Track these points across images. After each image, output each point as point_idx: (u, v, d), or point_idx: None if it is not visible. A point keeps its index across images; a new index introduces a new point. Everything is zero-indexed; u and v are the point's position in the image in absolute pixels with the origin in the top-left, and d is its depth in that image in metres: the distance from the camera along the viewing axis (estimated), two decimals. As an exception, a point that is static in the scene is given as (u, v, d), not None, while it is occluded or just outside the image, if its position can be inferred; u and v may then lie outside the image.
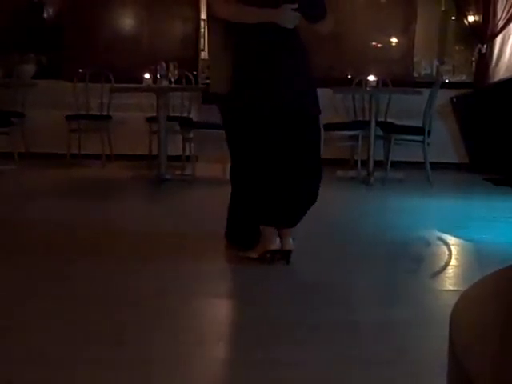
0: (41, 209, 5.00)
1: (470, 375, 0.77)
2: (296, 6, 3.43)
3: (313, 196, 3.65)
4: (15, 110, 6.84)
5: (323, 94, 6.36)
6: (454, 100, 6.93)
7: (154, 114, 6.36)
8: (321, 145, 3.75)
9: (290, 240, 3.59)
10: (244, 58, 3.55)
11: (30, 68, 7.46)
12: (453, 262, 3.83)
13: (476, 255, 4.01)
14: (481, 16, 6.91)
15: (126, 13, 7.92)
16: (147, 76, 6.24)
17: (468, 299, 1.03)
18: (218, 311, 3.05)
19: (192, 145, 6.35)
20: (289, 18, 3.45)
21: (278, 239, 3.56)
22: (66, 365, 2.38)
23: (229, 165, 3.73)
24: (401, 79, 7.23)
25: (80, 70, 7.02)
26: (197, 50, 7.54)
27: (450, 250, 4.03)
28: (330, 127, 6.27)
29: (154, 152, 6.51)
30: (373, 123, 6.18)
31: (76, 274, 3.42)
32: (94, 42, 7.66)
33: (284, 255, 3.57)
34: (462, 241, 4.27)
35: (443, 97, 6.67)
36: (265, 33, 3.47)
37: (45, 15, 7.48)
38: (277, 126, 3.47)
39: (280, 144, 3.50)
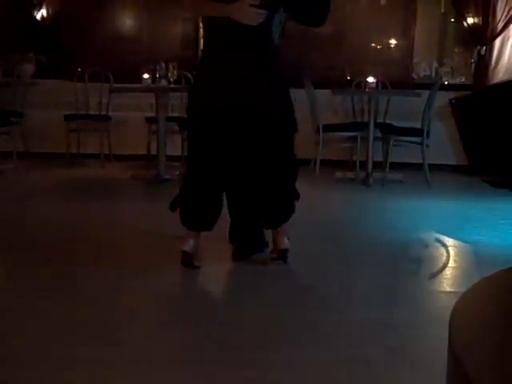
0: (40, 208, 5.00)
1: (470, 376, 0.78)
2: (257, 2, 3.25)
3: (285, 193, 3.57)
4: (14, 109, 6.83)
5: (322, 95, 6.45)
6: (453, 102, 6.94)
7: (154, 114, 6.36)
8: (286, 146, 3.58)
9: (285, 239, 3.55)
10: (204, 57, 3.48)
11: (29, 67, 7.45)
12: (451, 263, 3.83)
13: (474, 257, 4.02)
14: (480, 18, 6.92)
15: (126, 13, 7.93)
16: (146, 76, 6.24)
17: (467, 300, 1.04)
18: (214, 312, 3.05)
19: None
20: (246, 14, 3.25)
21: (192, 242, 3.48)
22: (63, 364, 2.39)
23: None
24: (400, 81, 7.24)
25: (79, 70, 7.02)
26: (196, 50, 7.54)
27: (448, 252, 4.04)
28: (329, 128, 6.29)
29: (153, 152, 6.52)
30: (372, 125, 6.19)
31: (75, 274, 3.42)
32: (93, 42, 7.66)
33: (280, 255, 3.56)
34: (460, 242, 4.28)
35: (442, 98, 6.68)
36: (227, 31, 3.32)
37: (44, 15, 7.46)
38: (229, 127, 3.37)
39: (233, 146, 3.41)
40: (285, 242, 3.55)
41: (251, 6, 3.25)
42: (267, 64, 3.39)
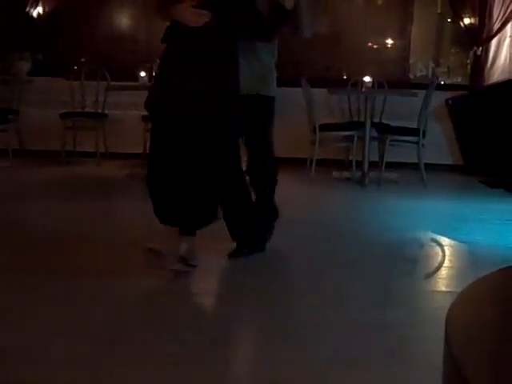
0: (34, 206, 4.99)
1: (467, 375, 0.78)
2: (194, 2, 3.24)
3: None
4: (10, 107, 6.82)
5: (319, 94, 6.44)
6: (450, 102, 6.95)
7: (150, 113, 6.35)
8: (227, 157, 3.51)
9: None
10: (163, 59, 3.41)
11: (25, 65, 7.44)
12: (446, 263, 3.84)
13: (470, 257, 4.02)
14: (477, 19, 6.93)
15: (123, 11, 7.92)
16: (143, 74, 6.23)
17: (464, 300, 1.04)
18: (211, 310, 3.04)
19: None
20: (188, 15, 3.22)
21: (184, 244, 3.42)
22: (62, 363, 2.38)
23: None
24: (396, 80, 7.24)
25: (76, 68, 7.01)
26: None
27: (443, 252, 4.04)
28: (325, 128, 6.28)
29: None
30: (368, 124, 6.19)
31: (71, 272, 3.42)
32: (90, 40, 7.64)
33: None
34: (455, 242, 4.28)
35: (438, 99, 6.69)
36: (185, 33, 3.27)
37: (40, 12, 7.44)
38: (172, 130, 3.31)
39: (175, 151, 3.34)
40: None
41: (192, 6, 3.23)
42: (217, 69, 3.31)
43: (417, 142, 6.15)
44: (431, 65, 7.77)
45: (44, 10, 7.45)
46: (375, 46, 7.94)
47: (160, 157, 3.38)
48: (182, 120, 3.28)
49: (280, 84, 6.68)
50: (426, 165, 6.19)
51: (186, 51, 3.28)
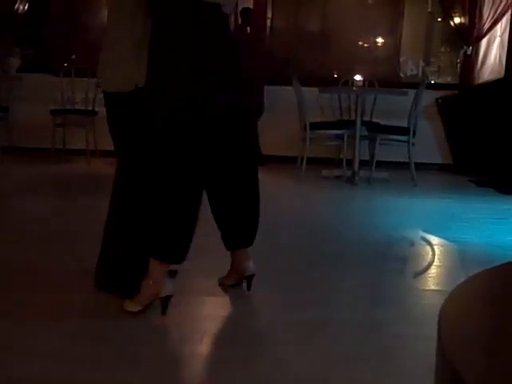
0: (22, 204, 4.97)
1: (460, 373, 0.78)
2: None
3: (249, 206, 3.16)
4: (0, 103, 6.78)
5: (310, 93, 6.45)
6: (440, 101, 6.98)
7: (140, 110, 6.33)
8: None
9: (251, 263, 3.14)
10: (162, 50, 2.86)
11: (15, 62, 7.40)
12: (436, 262, 3.86)
13: (459, 255, 4.04)
14: (467, 18, 6.96)
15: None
16: (133, 72, 6.21)
17: (456, 298, 1.04)
18: (203, 310, 3.04)
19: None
20: None
21: (170, 282, 2.88)
22: (58, 362, 2.38)
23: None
24: (387, 79, 7.26)
25: (66, 65, 6.98)
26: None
27: (433, 250, 4.06)
28: (315, 126, 6.29)
29: (140, 148, 6.48)
30: (358, 123, 6.21)
31: (57, 271, 3.41)
32: (80, 37, 7.61)
33: (247, 280, 3.18)
34: (445, 241, 4.30)
35: (429, 98, 6.71)
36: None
37: (30, 9, 7.40)
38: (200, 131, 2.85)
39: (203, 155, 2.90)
40: (250, 267, 3.14)
41: None
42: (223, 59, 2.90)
43: (407, 141, 6.17)
44: (421, 64, 7.79)
45: (33, 7, 7.40)
46: (366, 45, 7.95)
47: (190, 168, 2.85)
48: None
49: (271, 82, 6.74)
50: (416, 164, 6.21)
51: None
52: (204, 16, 2.83)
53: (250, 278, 3.16)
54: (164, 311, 2.80)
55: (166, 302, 2.81)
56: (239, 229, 3.16)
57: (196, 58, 2.81)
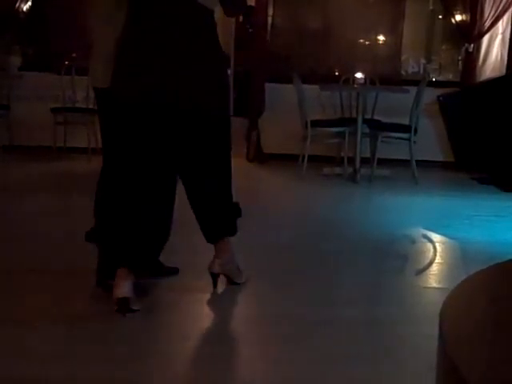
0: (24, 202, 4.97)
1: (461, 371, 0.78)
2: None
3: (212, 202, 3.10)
4: (0, 102, 6.78)
5: (311, 90, 6.44)
6: (441, 99, 6.96)
7: (141, 108, 6.32)
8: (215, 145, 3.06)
9: (216, 262, 3.09)
10: (130, 39, 2.88)
11: (15, 60, 7.39)
12: (437, 259, 3.85)
13: (461, 253, 4.04)
14: (468, 15, 6.94)
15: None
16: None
17: (457, 296, 1.04)
18: (205, 307, 3.04)
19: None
20: None
21: (128, 284, 2.81)
22: (58, 361, 2.38)
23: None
24: (388, 77, 7.25)
25: (66, 63, 6.97)
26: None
27: (434, 248, 4.06)
28: (316, 124, 6.28)
29: (141, 146, 6.47)
30: (360, 120, 6.20)
31: (57, 271, 3.41)
32: (81, 35, 7.59)
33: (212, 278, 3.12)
34: (446, 239, 4.30)
35: (430, 95, 6.70)
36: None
37: (31, 7, 7.39)
38: (154, 121, 2.86)
39: (162, 145, 2.91)
40: (215, 265, 3.09)
41: None
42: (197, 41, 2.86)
43: (408, 139, 6.15)
44: (423, 61, 7.78)
45: (34, 5, 7.39)
46: (367, 43, 7.94)
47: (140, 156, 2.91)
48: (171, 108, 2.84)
49: (272, 80, 6.73)
50: (418, 161, 6.20)
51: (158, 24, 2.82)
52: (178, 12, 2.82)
53: (214, 276, 3.11)
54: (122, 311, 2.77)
55: (122, 303, 2.77)
56: (210, 218, 3.11)
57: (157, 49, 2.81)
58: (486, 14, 6.85)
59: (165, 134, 2.90)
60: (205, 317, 2.92)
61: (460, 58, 7.33)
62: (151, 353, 2.46)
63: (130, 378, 2.29)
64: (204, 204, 3.10)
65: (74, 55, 7.53)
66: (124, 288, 2.78)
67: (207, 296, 3.14)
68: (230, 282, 3.18)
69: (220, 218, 3.11)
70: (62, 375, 2.27)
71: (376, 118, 6.65)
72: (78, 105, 6.92)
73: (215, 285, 3.12)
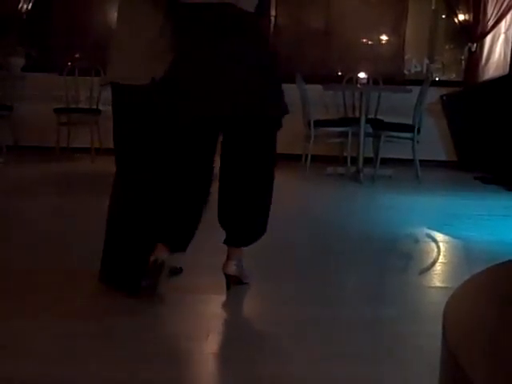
0: (28, 203, 4.98)
1: (465, 370, 0.78)
2: None
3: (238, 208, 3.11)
4: (4, 102, 6.80)
5: (314, 90, 6.44)
6: (444, 98, 6.96)
7: (144, 109, 6.32)
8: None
9: (233, 264, 3.11)
10: (183, 53, 2.94)
11: (19, 61, 7.40)
12: (441, 259, 3.85)
13: (464, 253, 4.04)
14: (471, 15, 6.94)
15: (116, 6, 7.87)
16: (137, 70, 6.20)
17: (461, 296, 1.04)
18: (209, 307, 3.04)
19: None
20: None
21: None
22: (60, 361, 2.38)
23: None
24: (391, 77, 7.25)
25: (69, 64, 6.98)
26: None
27: (438, 248, 4.05)
28: (319, 124, 6.28)
29: (144, 146, 6.47)
30: (363, 120, 6.20)
31: (62, 271, 3.41)
32: (84, 35, 7.61)
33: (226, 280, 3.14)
34: (450, 238, 4.29)
35: (433, 95, 6.69)
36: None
37: (34, 7, 7.40)
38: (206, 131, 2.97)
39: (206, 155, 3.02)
40: (232, 268, 3.11)
41: None
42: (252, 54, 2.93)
43: (411, 138, 6.15)
44: (426, 61, 7.77)
45: (37, 5, 7.41)
46: (370, 42, 7.93)
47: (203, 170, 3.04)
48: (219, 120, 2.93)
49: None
50: (421, 161, 6.20)
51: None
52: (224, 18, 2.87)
53: (228, 278, 3.12)
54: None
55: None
56: (235, 227, 3.13)
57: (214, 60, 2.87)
58: (488, 14, 6.84)
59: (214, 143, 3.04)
60: (207, 316, 2.92)
61: (463, 57, 7.33)
62: (153, 353, 2.46)
63: (131, 379, 2.29)
64: (245, 206, 3.11)
65: (76, 56, 7.54)
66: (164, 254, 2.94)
67: (210, 296, 3.14)
68: (239, 282, 3.19)
69: (256, 224, 3.15)
70: (62, 375, 2.27)
71: (379, 117, 6.65)
72: (81, 105, 6.94)
73: (229, 286, 3.13)
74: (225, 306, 3.08)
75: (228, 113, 2.89)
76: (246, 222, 3.12)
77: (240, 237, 3.13)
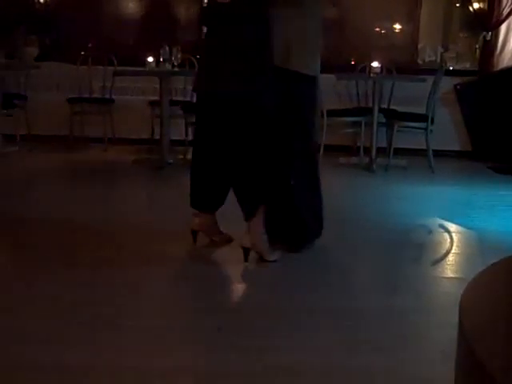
0: (41, 191, 5.01)
1: (481, 361, 0.78)
2: None
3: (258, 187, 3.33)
4: (18, 92, 6.82)
5: (327, 79, 6.40)
6: (458, 87, 6.91)
7: (157, 98, 6.34)
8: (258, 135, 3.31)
9: (247, 237, 3.30)
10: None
11: (32, 50, 7.43)
12: (454, 249, 3.83)
13: (477, 243, 4.02)
14: (486, 3, 6.88)
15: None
16: (150, 59, 6.21)
17: (477, 286, 1.03)
18: (219, 295, 3.05)
19: (194, 129, 6.33)
20: None
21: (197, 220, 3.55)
22: (64, 345, 2.40)
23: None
24: (405, 66, 7.20)
25: (83, 53, 7.00)
26: (200, 34, 7.50)
27: (451, 238, 4.04)
28: (332, 113, 6.26)
29: (157, 136, 6.50)
30: (376, 110, 6.17)
31: (76, 261, 3.43)
32: (97, 25, 7.62)
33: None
34: (463, 228, 4.28)
35: (447, 84, 6.65)
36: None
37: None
38: (214, 112, 3.36)
39: (219, 132, 3.35)
40: (245, 240, 3.31)
41: None
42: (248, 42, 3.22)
43: (425, 128, 6.12)
44: (440, 50, 7.71)
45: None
46: (383, 31, 7.89)
47: (203, 141, 3.45)
48: (217, 98, 3.30)
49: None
50: (434, 151, 6.17)
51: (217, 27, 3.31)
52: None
53: (245, 250, 3.33)
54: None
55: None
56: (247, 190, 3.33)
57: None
58: (503, 2, 6.78)
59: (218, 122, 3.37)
60: (219, 305, 2.93)
61: (478, 46, 7.26)
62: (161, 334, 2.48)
63: (136, 368, 2.31)
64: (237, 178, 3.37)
65: (90, 45, 7.55)
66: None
67: (222, 284, 3.15)
68: (261, 258, 3.35)
69: (254, 189, 3.33)
70: (78, 362, 2.29)
71: (392, 107, 6.61)
72: (94, 95, 6.96)
73: (246, 258, 3.32)
74: (237, 296, 3.09)
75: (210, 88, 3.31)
76: (242, 195, 3.33)
77: (243, 209, 3.30)
